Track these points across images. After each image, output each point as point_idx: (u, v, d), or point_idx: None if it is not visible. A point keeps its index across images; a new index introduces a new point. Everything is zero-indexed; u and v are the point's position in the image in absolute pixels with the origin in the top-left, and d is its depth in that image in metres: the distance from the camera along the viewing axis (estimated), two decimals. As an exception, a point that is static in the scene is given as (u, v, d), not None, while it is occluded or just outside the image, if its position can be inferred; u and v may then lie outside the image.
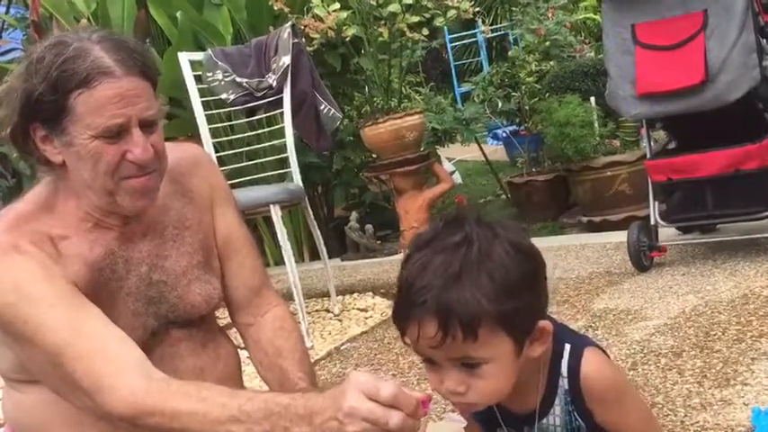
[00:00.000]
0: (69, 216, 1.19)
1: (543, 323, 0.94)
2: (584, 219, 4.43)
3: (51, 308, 1.10)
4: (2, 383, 1.28)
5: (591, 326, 2.50)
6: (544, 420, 1.01)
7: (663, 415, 1.77)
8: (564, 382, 0.99)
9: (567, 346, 1.00)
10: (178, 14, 4.17)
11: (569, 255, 3.54)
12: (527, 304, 0.90)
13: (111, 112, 1.11)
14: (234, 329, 1.47)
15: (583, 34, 6.81)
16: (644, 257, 2.98)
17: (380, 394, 0.88)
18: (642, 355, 2.18)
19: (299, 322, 2.93)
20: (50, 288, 1.11)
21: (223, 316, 1.46)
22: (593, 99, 4.65)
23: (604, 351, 1.06)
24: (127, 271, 1.23)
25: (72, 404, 1.13)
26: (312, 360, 2.75)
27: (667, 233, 3.23)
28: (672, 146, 3.20)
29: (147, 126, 1.16)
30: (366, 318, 3.20)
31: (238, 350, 1.44)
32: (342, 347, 2.88)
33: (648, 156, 3.05)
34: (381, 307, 3.31)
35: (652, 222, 3.00)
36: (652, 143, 3.13)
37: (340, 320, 3.25)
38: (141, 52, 1.17)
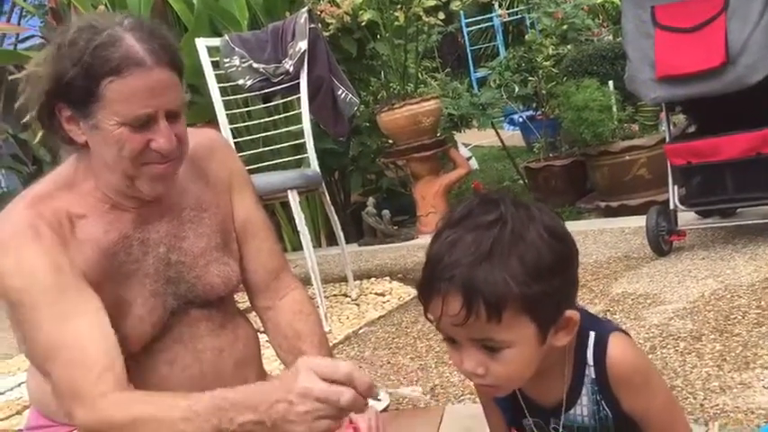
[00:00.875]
0: (88, 195, 1.22)
1: (570, 313, 0.92)
2: (602, 204, 4.41)
3: (48, 306, 1.11)
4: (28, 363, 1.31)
5: (609, 310, 2.49)
6: (571, 411, 1.00)
7: (682, 398, 1.77)
8: (590, 371, 0.98)
9: (592, 334, 0.98)
10: (195, 0, 4.17)
11: (587, 239, 3.53)
12: (556, 291, 0.88)
13: (141, 102, 1.13)
14: (253, 313, 1.49)
15: (601, 17, 6.74)
16: (663, 242, 2.97)
17: (335, 374, 0.93)
18: (661, 338, 2.17)
19: (318, 307, 2.95)
20: (54, 282, 1.12)
21: (242, 300, 1.48)
22: (611, 83, 4.61)
23: (628, 335, 1.04)
24: (144, 252, 1.25)
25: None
26: (330, 344, 2.78)
27: (686, 218, 3.21)
28: (691, 129, 3.17)
29: (172, 116, 1.18)
30: (383, 302, 3.22)
31: (258, 333, 1.46)
32: (359, 331, 2.90)
33: (668, 139, 3.02)
34: (399, 292, 3.32)
35: (671, 206, 2.98)
36: (671, 127, 3.10)
37: (357, 305, 3.26)
38: (171, 43, 1.19)
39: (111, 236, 1.21)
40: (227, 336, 1.35)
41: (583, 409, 0.99)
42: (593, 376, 0.97)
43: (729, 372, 1.87)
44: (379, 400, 0.98)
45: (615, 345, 0.97)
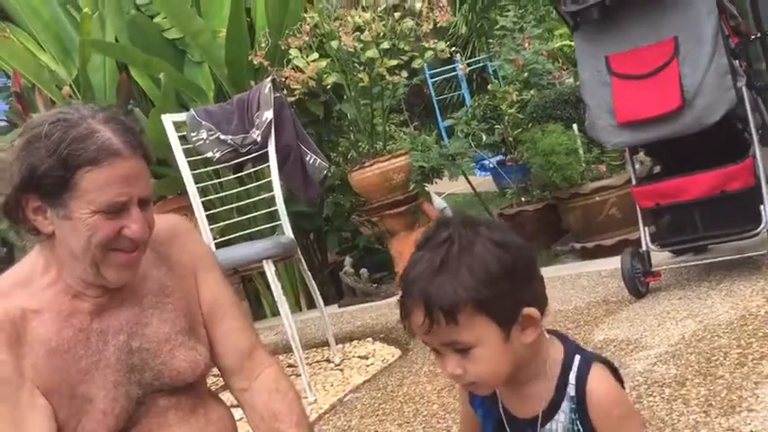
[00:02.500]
0: (47, 289, 1.22)
1: (529, 310, 1.00)
2: (578, 245, 4.45)
3: None
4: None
5: (592, 359, 2.49)
6: (547, 426, 1.05)
7: (672, 449, 1.76)
8: (571, 390, 1.04)
9: (578, 358, 1.06)
10: (161, 76, 4.21)
11: (565, 285, 3.54)
12: (507, 292, 0.98)
13: (117, 190, 1.16)
14: (227, 391, 1.46)
15: (560, 61, 6.91)
16: (639, 284, 2.99)
17: None
18: (646, 386, 2.17)
19: (300, 375, 2.91)
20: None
21: (215, 375, 1.45)
22: (575, 126, 4.70)
23: (616, 370, 1.09)
24: (104, 342, 1.24)
25: None
26: (316, 414, 2.74)
27: (660, 256, 3.24)
28: (657, 170, 3.23)
29: (143, 203, 1.21)
30: (367, 366, 3.18)
31: (232, 411, 1.43)
32: (345, 399, 2.85)
33: (634, 182, 3.07)
34: (382, 353, 3.30)
35: (644, 248, 3.01)
36: (637, 166, 3.16)
37: (341, 370, 3.22)
38: (141, 134, 1.23)
39: (66, 333, 1.21)
40: (198, 421, 1.33)
41: (558, 425, 1.05)
42: (573, 394, 1.04)
43: (716, 417, 1.87)
44: None
45: (596, 375, 1.04)
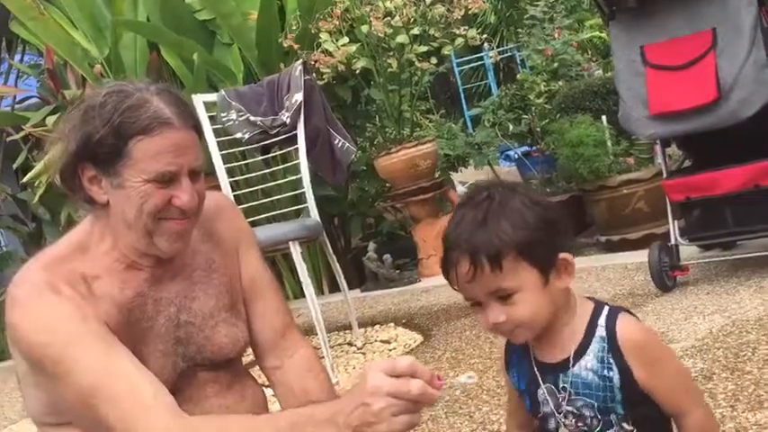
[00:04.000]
0: (103, 257, 1.23)
1: (565, 255, 1.07)
2: (603, 238, 4.41)
3: (84, 349, 1.12)
4: (35, 429, 1.30)
5: (617, 350, 2.47)
6: (577, 367, 1.09)
7: (698, 442, 1.75)
8: (601, 331, 1.09)
9: (606, 308, 1.12)
10: (194, 57, 4.23)
11: (590, 277, 3.52)
12: (543, 239, 1.05)
13: (167, 159, 1.17)
14: (257, 367, 1.48)
15: (590, 52, 6.84)
16: (666, 277, 2.96)
17: (397, 367, 0.95)
18: (672, 379, 2.15)
19: (323, 357, 2.93)
20: (84, 329, 1.14)
21: (246, 354, 1.47)
22: (604, 118, 4.65)
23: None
24: (156, 312, 1.26)
25: None
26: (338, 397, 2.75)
27: (688, 251, 3.21)
28: (688, 164, 3.19)
29: (194, 175, 1.22)
30: (389, 350, 3.19)
31: (264, 389, 1.45)
32: (367, 382, 2.86)
33: (665, 175, 3.04)
34: (404, 338, 3.30)
35: (672, 242, 2.98)
36: (667, 160, 3.12)
37: (363, 353, 3.24)
38: (192, 107, 1.25)
39: (127, 293, 1.23)
40: (234, 396, 1.35)
41: (588, 364, 1.08)
42: (603, 335, 1.09)
43: (743, 412, 1.85)
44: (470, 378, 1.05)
45: (624, 320, 1.09)
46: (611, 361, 1.07)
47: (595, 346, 1.09)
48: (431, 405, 0.99)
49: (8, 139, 5.33)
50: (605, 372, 1.07)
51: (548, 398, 1.12)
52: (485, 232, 1.04)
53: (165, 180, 1.18)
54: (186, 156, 1.19)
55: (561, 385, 1.11)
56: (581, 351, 1.09)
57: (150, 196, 1.18)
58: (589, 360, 1.08)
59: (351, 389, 0.98)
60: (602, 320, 1.10)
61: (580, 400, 1.09)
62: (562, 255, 1.07)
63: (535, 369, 1.14)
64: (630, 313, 1.12)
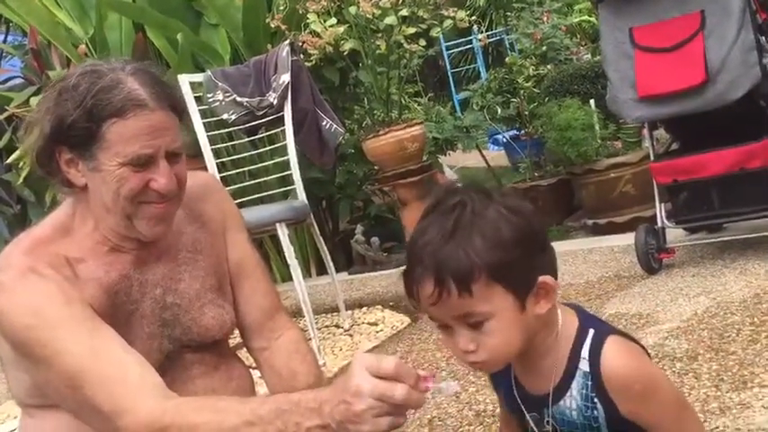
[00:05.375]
0: (86, 239, 1.22)
1: (545, 278, 0.95)
2: (590, 222, 4.43)
3: (70, 332, 1.11)
4: (19, 410, 1.29)
5: (603, 332, 2.49)
6: (561, 402, 1.01)
7: (682, 421, 1.76)
8: (584, 365, 0.99)
9: (591, 331, 1.01)
10: (179, 37, 4.17)
11: (577, 259, 3.53)
12: (521, 259, 0.92)
13: (142, 142, 1.15)
14: (244, 350, 1.47)
15: (578, 36, 6.83)
16: (653, 260, 2.98)
17: (381, 368, 0.90)
18: (657, 359, 2.16)
19: (310, 339, 2.92)
20: (69, 311, 1.13)
21: (233, 336, 1.46)
22: (592, 102, 4.66)
23: (637, 342, 1.04)
24: (142, 294, 1.25)
25: (91, 427, 1.14)
26: (325, 379, 2.76)
27: (675, 234, 3.22)
28: (675, 147, 3.20)
29: (172, 156, 1.20)
30: (377, 332, 3.20)
31: (251, 371, 1.45)
32: (354, 363, 2.87)
33: (652, 158, 3.04)
34: (391, 320, 3.30)
35: (659, 225, 3.00)
36: (654, 143, 3.13)
37: (350, 335, 3.24)
38: (171, 87, 1.22)
39: (112, 276, 1.22)
40: (221, 377, 1.35)
41: (572, 401, 1.00)
42: (587, 370, 0.99)
43: (727, 392, 1.87)
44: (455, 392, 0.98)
45: (611, 348, 0.98)
46: (596, 400, 0.98)
47: (578, 382, 1.00)
48: (418, 408, 0.93)
49: (-8, 119, 5.27)
50: (589, 412, 1.00)
51: (534, 426, 1.06)
52: (453, 248, 0.90)
53: (141, 163, 1.16)
54: (163, 138, 1.17)
55: (546, 418, 1.04)
56: (563, 387, 1.01)
57: (126, 180, 1.16)
58: (571, 399, 1.00)
59: (339, 378, 0.95)
60: (585, 351, 0.99)
61: None
62: (541, 278, 0.94)
63: (518, 399, 1.07)
64: (618, 332, 1.03)
